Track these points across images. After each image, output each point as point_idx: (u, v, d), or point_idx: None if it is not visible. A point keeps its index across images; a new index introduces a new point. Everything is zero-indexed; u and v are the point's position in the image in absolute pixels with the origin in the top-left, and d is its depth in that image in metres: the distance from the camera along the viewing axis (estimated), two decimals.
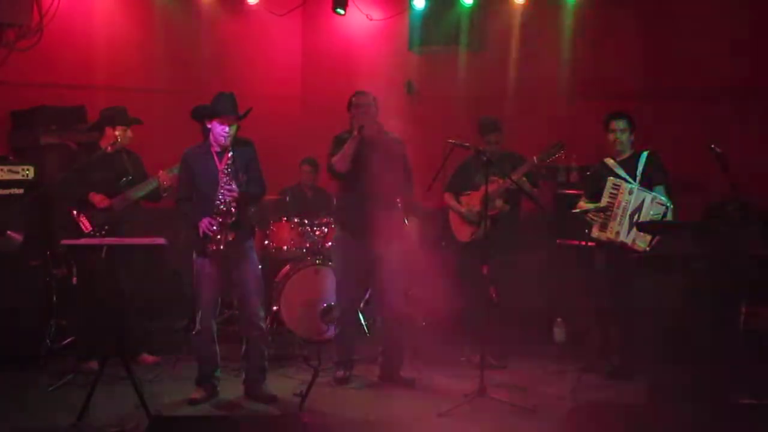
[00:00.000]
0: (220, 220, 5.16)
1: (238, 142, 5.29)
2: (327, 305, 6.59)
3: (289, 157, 7.74)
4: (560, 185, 7.11)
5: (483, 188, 5.61)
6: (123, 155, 6.06)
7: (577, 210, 5.90)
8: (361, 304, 6.83)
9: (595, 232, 5.80)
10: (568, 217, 6.07)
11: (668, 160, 5.86)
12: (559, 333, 6.90)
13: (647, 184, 5.70)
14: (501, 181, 6.12)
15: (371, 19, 8.24)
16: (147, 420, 4.64)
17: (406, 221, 5.87)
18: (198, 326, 5.34)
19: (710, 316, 5.11)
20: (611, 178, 5.78)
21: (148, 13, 7.65)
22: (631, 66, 7.27)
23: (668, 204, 5.60)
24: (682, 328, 5.55)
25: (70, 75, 7.23)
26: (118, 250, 5.04)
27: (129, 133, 6.06)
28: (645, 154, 5.79)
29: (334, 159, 5.63)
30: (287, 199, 7.39)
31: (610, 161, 5.87)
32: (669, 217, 5.58)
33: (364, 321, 6.86)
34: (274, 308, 6.72)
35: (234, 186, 5.19)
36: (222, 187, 5.19)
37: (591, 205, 5.84)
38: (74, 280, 6.04)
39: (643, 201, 5.63)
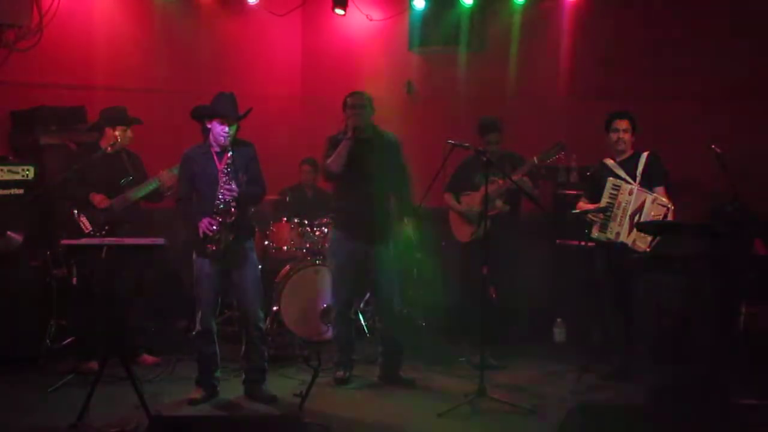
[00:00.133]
0: (220, 219, 5.16)
1: (238, 143, 5.29)
2: (327, 305, 6.58)
3: (289, 157, 7.74)
4: (560, 185, 7.11)
5: (483, 188, 5.62)
6: (123, 155, 6.06)
7: (577, 210, 5.90)
8: (361, 305, 6.84)
9: (595, 233, 5.79)
10: (568, 218, 6.06)
11: (668, 161, 5.85)
12: (559, 333, 6.90)
13: (647, 184, 5.69)
14: (501, 181, 6.12)
15: (371, 20, 8.24)
16: (147, 420, 4.63)
17: (404, 221, 5.85)
18: (198, 326, 5.34)
19: (710, 316, 5.11)
20: (611, 178, 5.77)
21: (148, 13, 7.64)
22: (631, 66, 7.27)
23: (669, 206, 5.59)
24: (682, 328, 5.56)
25: (70, 75, 7.22)
26: (118, 250, 5.03)
27: (129, 133, 6.06)
28: (645, 154, 5.78)
29: (329, 160, 5.64)
30: (287, 199, 7.39)
31: (609, 162, 5.87)
32: (670, 218, 5.57)
33: (364, 321, 6.86)
34: (274, 308, 6.72)
35: (234, 186, 5.20)
36: (222, 186, 5.19)
37: (591, 206, 5.84)
38: (74, 280, 6.04)
39: (644, 202, 5.62)
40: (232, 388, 5.50)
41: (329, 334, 6.37)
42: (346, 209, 5.76)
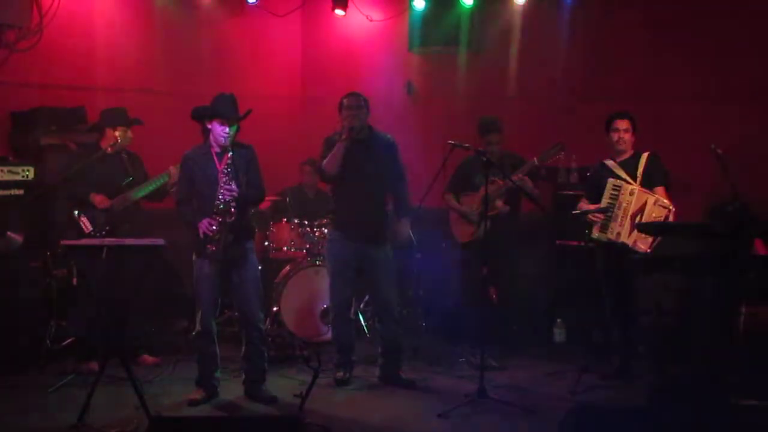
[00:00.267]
0: (220, 219, 5.16)
1: (237, 145, 5.29)
2: (327, 306, 6.57)
3: (289, 158, 7.74)
4: (560, 186, 7.11)
5: (483, 189, 5.61)
6: (123, 156, 6.07)
7: (578, 211, 5.90)
8: (361, 305, 6.84)
9: (596, 233, 5.79)
10: (568, 218, 6.06)
11: (668, 161, 5.85)
12: (559, 333, 6.90)
13: (648, 184, 5.69)
14: (501, 181, 6.12)
15: (371, 20, 8.23)
16: (147, 421, 4.63)
17: (401, 221, 5.85)
18: (198, 327, 5.34)
19: (710, 316, 5.11)
20: (612, 179, 5.77)
21: (148, 14, 7.63)
22: (631, 66, 7.27)
23: (670, 207, 5.58)
24: (682, 328, 5.55)
25: (70, 76, 7.22)
26: (118, 250, 5.03)
27: (129, 133, 6.06)
28: (645, 155, 5.77)
29: (324, 161, 5.64)
30: (288, 200, 7.39)
31: (609, 162, 5.86)
32: (671, 219, 5.57)
33: (364, 322, 6.86)
34: (274, 309, 6.72)
35: (234, 186, 5.19)
36: (222, 187, 5.19)
37: (592, 206, 5.83)
38: (74, 280, 6.04)
39: (645, 203, 5.61)
40: (232, 389, 5.50)
41: (329, 334, 6.36)
42: (343, 210, 5.77)
